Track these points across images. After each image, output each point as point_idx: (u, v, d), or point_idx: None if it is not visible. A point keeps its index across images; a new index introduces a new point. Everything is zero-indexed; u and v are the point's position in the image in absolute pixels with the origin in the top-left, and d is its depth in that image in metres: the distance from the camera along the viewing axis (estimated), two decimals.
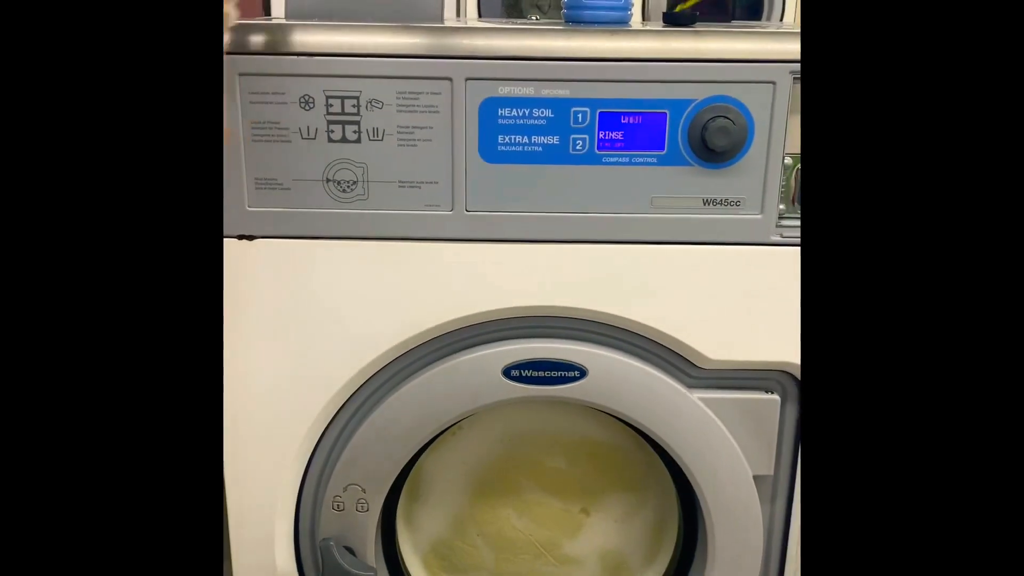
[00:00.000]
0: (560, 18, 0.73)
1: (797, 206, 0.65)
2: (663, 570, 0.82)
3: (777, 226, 0.65)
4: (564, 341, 0.69)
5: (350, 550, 0.72)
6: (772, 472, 0.72)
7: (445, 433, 0.77)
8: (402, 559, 0.81)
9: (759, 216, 0.65)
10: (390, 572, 0.79)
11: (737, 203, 0.64)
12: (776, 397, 0.70)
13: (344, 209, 0.64)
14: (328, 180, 0.64)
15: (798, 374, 0.70)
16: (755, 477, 0.71)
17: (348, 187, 0.64)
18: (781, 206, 0.65)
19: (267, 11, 1.09)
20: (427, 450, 0.78)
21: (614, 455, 0.80)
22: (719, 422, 0.70)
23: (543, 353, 0.68)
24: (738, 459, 0.70)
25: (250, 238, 0.65)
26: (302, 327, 0.67)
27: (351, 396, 0.70)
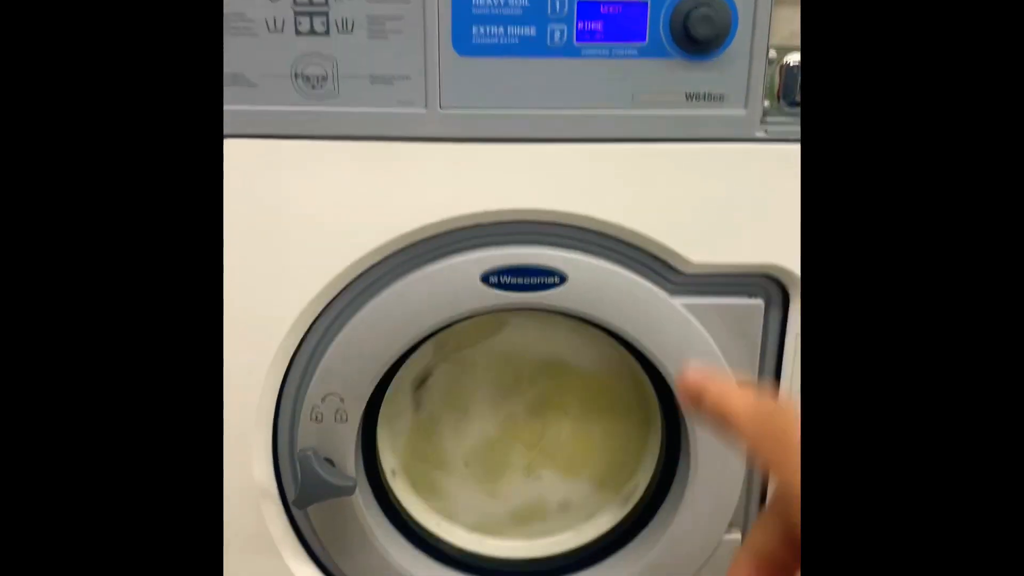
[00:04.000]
0: None
1: (783, 102, 0.63)
2: (649, 477, 0.82)
3: (762, 122, 0.63)
4: (543, 247, 0.67)
5: (330, 462, 0.71)
6: (755, 379, 0.71)
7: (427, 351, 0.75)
8: (383, 474, 0.81)
9: (743, 111, 0.63)
10: (371, 486, 0.78)
11: (721, 98, 0.62)
12: (760, 302, 0.69)
13: (314, 107, 0.62)
14: (297, 75, 0.61)
15: (783, 278, 0.69)
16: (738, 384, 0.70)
17: (318, 83, 0.61)
18: (766, 102, 0.63)
19: None
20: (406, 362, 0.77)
21: (598, 375, 0.79)
22: (702, 328, 0.68)
23: (522, 259, 0.67)
24: (721, 366, 0.69)
25: None
26: (273, 233, 0.65)
27: (327, 305, 0.69)
